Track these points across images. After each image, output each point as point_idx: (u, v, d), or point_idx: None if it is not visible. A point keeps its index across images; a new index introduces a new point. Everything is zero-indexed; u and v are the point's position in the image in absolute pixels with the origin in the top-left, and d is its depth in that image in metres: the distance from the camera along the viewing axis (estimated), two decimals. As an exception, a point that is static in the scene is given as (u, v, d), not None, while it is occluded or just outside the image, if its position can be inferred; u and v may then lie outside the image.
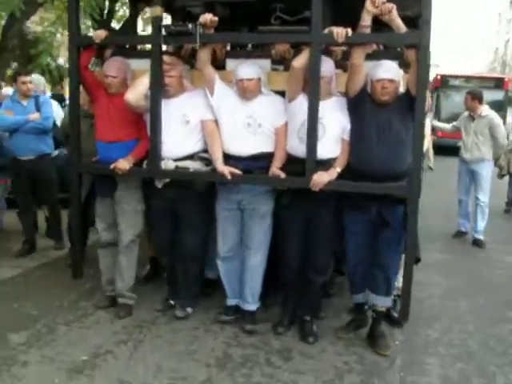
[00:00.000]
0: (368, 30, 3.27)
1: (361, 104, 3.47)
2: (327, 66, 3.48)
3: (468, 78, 16.31)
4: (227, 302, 4.00)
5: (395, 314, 4.02)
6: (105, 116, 3.94)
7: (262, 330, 3.86)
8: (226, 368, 3.40)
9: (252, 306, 3.90)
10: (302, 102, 3.49)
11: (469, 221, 6.79)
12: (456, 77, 16.39)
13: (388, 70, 3.37)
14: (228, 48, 4.40)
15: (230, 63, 3.84)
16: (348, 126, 3.52)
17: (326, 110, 3.52)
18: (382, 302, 3.64)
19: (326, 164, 3.51)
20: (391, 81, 3.36)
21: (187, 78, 3.88)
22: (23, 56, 10.70)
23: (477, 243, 6.53)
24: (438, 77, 16.30)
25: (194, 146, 3.81)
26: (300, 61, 3.41)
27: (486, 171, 6.57)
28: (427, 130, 6.07)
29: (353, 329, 3.82)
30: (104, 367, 3.36)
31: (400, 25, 3.20)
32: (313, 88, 3.35)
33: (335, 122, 3.54)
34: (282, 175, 3.49)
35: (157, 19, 3.53)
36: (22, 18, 7.74)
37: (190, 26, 3.45)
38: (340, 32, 3.22)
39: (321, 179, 3.38)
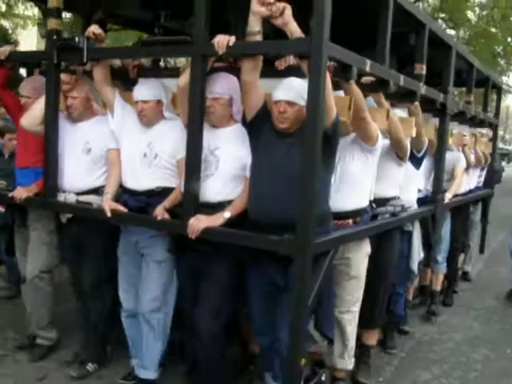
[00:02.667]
0: (258, 38, 2.57)
1: (258, 132, 2.75)
2: (223, 83, 2.81)
3: None
4: (131, 362, 3.36)
5: None
6: (21, 140, 3.63)
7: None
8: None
9: (147, 373, 3.21)
10: None
11: None
12: None
13: (288, 90, 2.62)
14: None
15: (142, 83, 3.30)
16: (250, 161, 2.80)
17: (222, 140, 2.86)
18: None
19: (218, 208, 2.80)
20: (291, 103, 2.60)
21: (98, 101, 3.42)
22: None
23: None
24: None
25: (98, 178, 3.32)
26: (184, 79, 2.79)
27: None
28: (458, 173, 4.98)
29: None
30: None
31: (295, 30, 2.44)
32: (193, 112, 2.69)
33: (232, 156, 2.84)
34: (160, 216, 2.85)
35: (51, 32, 3.12)
36: None
37: (77, 39, 3.00)
38: (220, 41, 2.55)
39: (196, 225, 2.69)
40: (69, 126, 3.35)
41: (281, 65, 2.93)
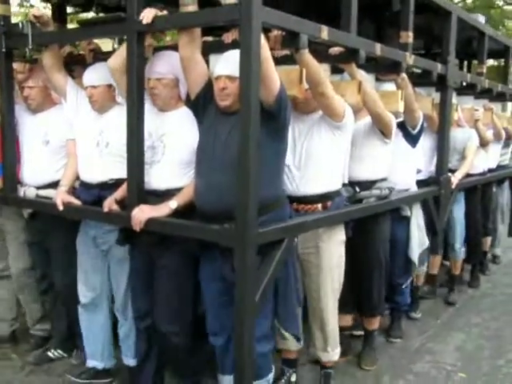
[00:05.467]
0: (191, 8, 2.33)
1: (203, 112, 2.54)
2: (166, 62, 2.59)
3: None
4: (86, 363, 3.20)
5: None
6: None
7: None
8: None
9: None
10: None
11: None
12: None
13: (228, 64, 2.37)
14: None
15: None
16: None
17: (169, 125, 2.65)
18: None
19: (165, 196, 2.59)
20: (232, 78, 2.34)
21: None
22: None
23: None
24: None
25: (58, 171, 3.17)
26: (114, 59, 2.59)
27: None
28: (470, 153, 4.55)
29: None
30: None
31: None
32: (131, 95, 2.49)
33: (179, 141, 2.62)
34: (107, 208, 2.65)
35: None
36: None
37: (20, 24, 2.84)
38: (146, 15, 2.33)
39: (139, 216, 2.48)
40: (28, 117, 3.23)
41: (227, 38, 2.68)
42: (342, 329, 3.24)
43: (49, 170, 3.17)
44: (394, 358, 3.68)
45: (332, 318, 2.98)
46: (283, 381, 3.06)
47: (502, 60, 5.70)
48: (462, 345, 3.91)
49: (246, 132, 2.12)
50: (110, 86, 2.86)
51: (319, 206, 2.82)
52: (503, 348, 3.87)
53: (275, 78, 2.27)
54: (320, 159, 2.79)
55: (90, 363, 3.17)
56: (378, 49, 2.99)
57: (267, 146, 2.32)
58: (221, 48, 2.62)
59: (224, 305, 2.55)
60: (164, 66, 2.58)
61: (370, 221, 3.20)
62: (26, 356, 3.48)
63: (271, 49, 2.48)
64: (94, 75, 2.85)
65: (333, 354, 3.06)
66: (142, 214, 2.48)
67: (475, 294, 5.07)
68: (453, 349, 3.84)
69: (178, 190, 2.60)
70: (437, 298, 4.79)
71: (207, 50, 2.65)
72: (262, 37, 2.14)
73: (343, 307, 3.15)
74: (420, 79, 3.94)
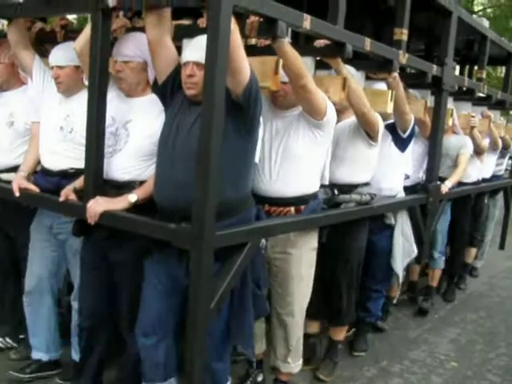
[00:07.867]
0: (159, -12, 2.14)
1: (171, 100, 2.34)
2: (135, 45, 2.40)
3: None
4: (32, 355, 3.02)
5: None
6: None
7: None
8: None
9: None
10: (110, 100, 2.44)
11: None
12: None
13: (196, 49, 2.16)
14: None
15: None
16: None
17: (135, 112, 2.47)
18: None
19: (126, 188, 2.41)
20: (200, 65, 2.14)
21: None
22: None
23: None
24: None
25: (22, 154, 2.98)
26: (80, 41, 2.40)
27: None
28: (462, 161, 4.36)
29: None
30: None
31: None
32: (93, 78, 2.29)
33: (144, 130, 2.43)
34: (63, 198, 2.46)
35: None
36: None
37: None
38: None
39: (94, 208, 2.30)
40: (-5, 96, 3.04)
41: (202, 23, 2.49)
42: (307, 335, 3.10)
43: (12, 153, 2.99)
44: (393, 345, 3.91)
45: (297, 328, 2.79)
46: (249, 382, 2.90)
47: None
48: (456, 338, 4.13)
49: (208, 122, 1.93)
50: (77, 67, 2.66)
51: (292, 209, 2.63)
52: (495, 343, 4.09)
53: (245, 66, 2.08)
54: (297, 159, 2.60)
55: (35, 355, 3.00)
56: (368, 44, 2.80)
57: (233, 141, 2.14)
58: (196, 33, 2.43)
59: (168, 306, 2.34)
60: (132, 49, 2.39)
61: (346, 228, 3.02)
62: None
63: (248, 36, 2.32)
64: (62, 54, 2.66)
65: (294, 365, 2.86)
66: (97, 206, 2.29)
67: (473, 294, 5.25)
68: (448, 341, 4.07)
69: (140, 182, 2.42)
70: (435, 296, 4.87)
71: (182, 35, 2.47)
72: (233, 21, 1.95)
73: (311, 313, 2.96)
74: (414, 80, 3.76)
